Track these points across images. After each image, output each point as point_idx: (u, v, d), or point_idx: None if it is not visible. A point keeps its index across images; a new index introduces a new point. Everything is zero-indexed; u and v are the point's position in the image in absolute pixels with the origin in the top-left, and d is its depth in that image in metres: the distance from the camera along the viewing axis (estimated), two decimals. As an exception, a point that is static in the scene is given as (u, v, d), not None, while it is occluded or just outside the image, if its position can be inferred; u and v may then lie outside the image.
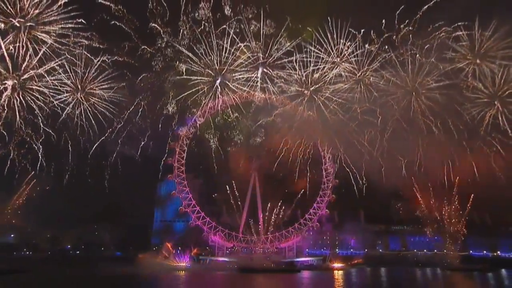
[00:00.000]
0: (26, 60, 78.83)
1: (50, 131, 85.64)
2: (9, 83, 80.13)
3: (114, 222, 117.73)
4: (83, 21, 79.21)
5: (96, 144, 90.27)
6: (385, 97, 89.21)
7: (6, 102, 79.69)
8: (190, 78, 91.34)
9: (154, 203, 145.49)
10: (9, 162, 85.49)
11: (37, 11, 76.56)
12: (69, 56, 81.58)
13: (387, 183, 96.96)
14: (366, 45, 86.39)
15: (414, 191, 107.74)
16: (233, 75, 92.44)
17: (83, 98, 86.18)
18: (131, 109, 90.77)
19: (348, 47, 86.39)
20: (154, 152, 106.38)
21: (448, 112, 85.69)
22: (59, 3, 76.47)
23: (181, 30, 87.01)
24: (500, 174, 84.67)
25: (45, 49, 79.21)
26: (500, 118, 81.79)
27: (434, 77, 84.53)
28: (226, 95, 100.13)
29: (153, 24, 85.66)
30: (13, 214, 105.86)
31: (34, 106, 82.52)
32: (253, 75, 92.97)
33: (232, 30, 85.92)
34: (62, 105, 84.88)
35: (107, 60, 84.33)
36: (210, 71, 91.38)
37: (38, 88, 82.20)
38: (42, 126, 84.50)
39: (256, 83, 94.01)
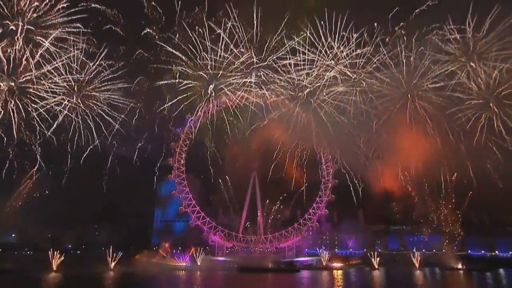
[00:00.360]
0: (23, 63, 79.95)
1: (48, 133, 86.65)
2: (5, 85, 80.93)
3: (114, 222, 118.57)
4: (79, 25, 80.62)
5: (91, 147, 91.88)
6: (381, 99, 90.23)
7: (1, 105, 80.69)
8: (185, 82, 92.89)
9: (154, 203, 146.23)
10: (7, 163, 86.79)
11: (35, 14, 77.56)
12: (65, 60, 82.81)
13: (385, 183, 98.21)
14: (359, 50, 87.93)
15: (411, 191, 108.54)
16: (227, 80, 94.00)
17: (79, 101, 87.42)
18: (126, 112, 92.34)
19: (343, 51, 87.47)
20: (153, 153, 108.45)
21: (444, 114, 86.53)
22: (57, 7, 77.69)
23: (176, 35, 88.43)
24: (496, 175, 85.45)
25: (43, 53, 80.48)
26: (495, 120, 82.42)
27: (429, 79, 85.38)
28: (221, 98, 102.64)
29: (148, 30, 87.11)
30: (14, 214, 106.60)
31: (31, 109, 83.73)
32: (247, 79, 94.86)
33: (226, 35, 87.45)
34: (59, 108, 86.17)
35: (103, 63, 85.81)
36: (204, 75, 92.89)
37: (35, 91, 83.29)
38: (38, 127, 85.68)
39: (251, 87, 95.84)
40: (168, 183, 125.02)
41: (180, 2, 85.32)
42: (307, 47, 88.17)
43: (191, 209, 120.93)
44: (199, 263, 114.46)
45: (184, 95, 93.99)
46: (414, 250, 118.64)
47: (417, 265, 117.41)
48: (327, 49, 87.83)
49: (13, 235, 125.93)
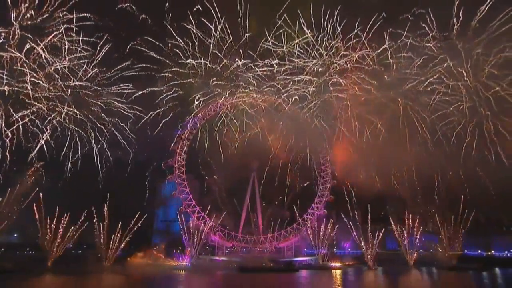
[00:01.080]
0: (18, 69, 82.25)
1: (42, 139, 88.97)
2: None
3: (116, 222, 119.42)
4: (73, 34, 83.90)
5: (86, 149, 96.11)
6: (371, 103, 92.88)
7: None
8: (175, 89, 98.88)
9: (155, 203, 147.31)
10: (5, 165, 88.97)
11: (29, 22, 79.75)
12: (59, 66, 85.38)
13: (378, 185, 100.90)
14: (345, 57, 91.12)
15: (403, 193, 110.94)
16: (217, 87, 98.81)
17: (73, 107, 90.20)
18: (118, 116, 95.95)
19: (331, 56, 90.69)
20: (152, 154, 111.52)
21: (435, 117, 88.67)
22: (54, 16, 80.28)
23: (169, 45, 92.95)
24: (486, 179, 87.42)
25: (37, 59, 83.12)
26: (485, 123, 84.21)
27: (419, 83, 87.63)
28: (219, 102, 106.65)
29: (138, 41, 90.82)
30: (15, 214, 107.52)
31: (25, 115, 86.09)
32: (236, 87, 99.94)
33: (215, 41, 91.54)
34: (53, 114, 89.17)
35: (97, 70, 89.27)
36: (194, 82, 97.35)
37: (26, 97, 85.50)
38: (30, 132, 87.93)
39: (240, 96, 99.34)
40: (169, 183, 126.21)
41: (170, 14, 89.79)
42: (296, 52, 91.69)
43: (191, 209, 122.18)
44: (194, 263, 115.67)
45: (175, 103, 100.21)
46: (411, 249, 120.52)
47: (413, 264, 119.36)
48: (315, 54, 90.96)
49: (15, 235, 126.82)
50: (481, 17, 77.06)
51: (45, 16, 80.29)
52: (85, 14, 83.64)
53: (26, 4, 78.42)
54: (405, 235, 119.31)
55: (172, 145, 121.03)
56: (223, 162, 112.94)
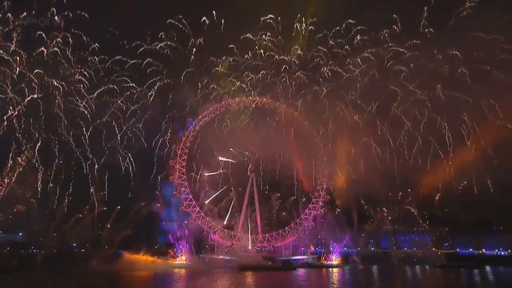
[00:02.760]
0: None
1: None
2: None
3: (117, 221, 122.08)
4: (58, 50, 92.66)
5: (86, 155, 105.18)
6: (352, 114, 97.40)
7: None
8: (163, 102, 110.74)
9: (159, 203, 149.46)
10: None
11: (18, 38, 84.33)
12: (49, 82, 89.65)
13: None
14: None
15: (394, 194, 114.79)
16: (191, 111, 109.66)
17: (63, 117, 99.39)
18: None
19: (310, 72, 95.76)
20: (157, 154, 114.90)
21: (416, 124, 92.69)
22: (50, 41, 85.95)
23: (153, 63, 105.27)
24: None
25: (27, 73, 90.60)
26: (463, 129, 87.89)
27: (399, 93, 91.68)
28: (219, 103, 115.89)
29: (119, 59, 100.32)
30: (19, 213, 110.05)
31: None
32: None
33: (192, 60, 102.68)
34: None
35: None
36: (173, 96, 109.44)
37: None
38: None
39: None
40: (171, 183, 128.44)
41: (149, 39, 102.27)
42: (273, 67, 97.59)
43: (192, 209, 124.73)
44: (192, 262, 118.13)
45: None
46: (404, 248, 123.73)
47: (406, 262, 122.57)
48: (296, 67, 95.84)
49: (20, 234, 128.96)
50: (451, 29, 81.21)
51: (36, 34, 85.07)
52: (74, 32, 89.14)
53: (16, 23, 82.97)
54: (391, 233, 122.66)
55: (173, 146, 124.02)
56: (221, 164, 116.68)
